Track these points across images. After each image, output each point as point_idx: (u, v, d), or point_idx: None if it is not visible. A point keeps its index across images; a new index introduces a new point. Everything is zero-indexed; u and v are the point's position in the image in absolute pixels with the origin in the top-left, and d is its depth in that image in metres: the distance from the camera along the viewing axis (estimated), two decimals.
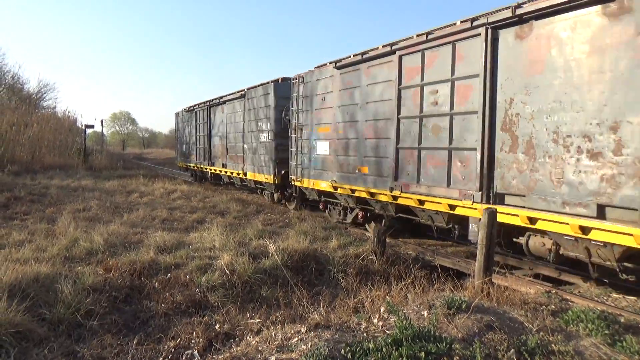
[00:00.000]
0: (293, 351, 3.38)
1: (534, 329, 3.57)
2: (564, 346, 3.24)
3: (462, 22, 6.46)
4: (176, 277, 5.69)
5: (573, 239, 5.20)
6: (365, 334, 3.61)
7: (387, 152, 7.89)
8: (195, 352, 3.98)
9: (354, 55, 8.79)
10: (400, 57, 7.56)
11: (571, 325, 3.68)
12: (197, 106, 19.62)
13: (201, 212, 10.87)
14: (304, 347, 3.40)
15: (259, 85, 13.31)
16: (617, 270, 4.95)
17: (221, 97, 16.43)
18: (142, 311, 4.94)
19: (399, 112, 7.57)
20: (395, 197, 7.72)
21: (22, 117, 23.15)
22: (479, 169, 6.10)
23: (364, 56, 8.42)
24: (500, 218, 5.67)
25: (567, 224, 5.05)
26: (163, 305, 5.00)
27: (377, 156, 8.21)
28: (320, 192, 10.35)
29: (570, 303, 4.56)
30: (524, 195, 5.63)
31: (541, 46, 5.39)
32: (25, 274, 4.94)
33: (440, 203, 6.75)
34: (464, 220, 6.67)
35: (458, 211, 6.56)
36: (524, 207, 5.62)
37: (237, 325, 4.53)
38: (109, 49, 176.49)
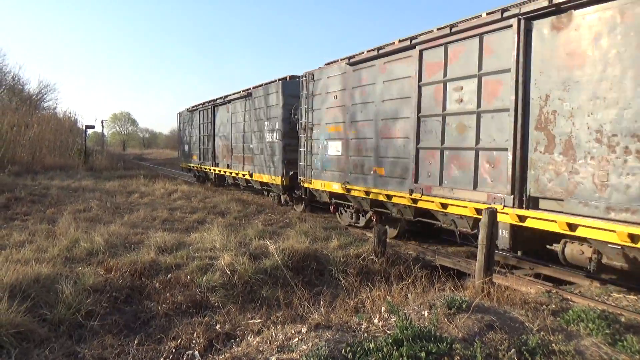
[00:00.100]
0: (294, 351, 3.39)
1: (535, 329, 3.57)
2: (565, 346, 3.24)
3: (488, 13, 6.06)
4: (177, 277, 5.70)
5: (619, 247, 4.76)
6: (365, 334, 3.61)
7: (406, 152, 7.51)
8: (196, 352, 3.98)
9: (368, 51, 8.35)
10: (420, 52, 7.12)
11: (572, 325, 3.68)
12: (200, 106, 19.14)
13: (201, 212, 10.88)
14: (305, 347, 3.40)
15: (265, 84, 12.85)
16: None
17: (226, 97, 15.95)
18: (142, 311, 4.94)
19: (419, 111, 7.17)
20: (414, 200, 7.31)
21: (22, 118, 23.26)
22: (510, 170, 5.67)
23: (380, 51, 7.97)
24: (534, 224, 5.45)
25: (614, 231, 4.60)
26: (164, 305, 5.01)
27: (394, 157, 7.83)
28: (332, 194, 9.94)
29: (570, 302, 4.56)
30: (561, 200, 5.19)
31: (582, 38, 4.96)
32: (26, 275, 4.95)
33: (467, 207, 6.31)
34: None
35: None
36: (561, 212, 5.18)
37: (238, 326, 4.54)
38: (109, 49, 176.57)
